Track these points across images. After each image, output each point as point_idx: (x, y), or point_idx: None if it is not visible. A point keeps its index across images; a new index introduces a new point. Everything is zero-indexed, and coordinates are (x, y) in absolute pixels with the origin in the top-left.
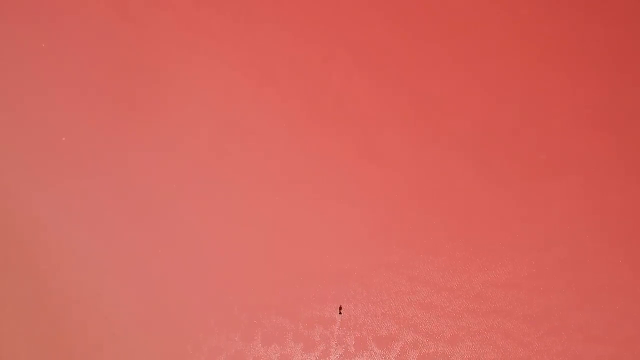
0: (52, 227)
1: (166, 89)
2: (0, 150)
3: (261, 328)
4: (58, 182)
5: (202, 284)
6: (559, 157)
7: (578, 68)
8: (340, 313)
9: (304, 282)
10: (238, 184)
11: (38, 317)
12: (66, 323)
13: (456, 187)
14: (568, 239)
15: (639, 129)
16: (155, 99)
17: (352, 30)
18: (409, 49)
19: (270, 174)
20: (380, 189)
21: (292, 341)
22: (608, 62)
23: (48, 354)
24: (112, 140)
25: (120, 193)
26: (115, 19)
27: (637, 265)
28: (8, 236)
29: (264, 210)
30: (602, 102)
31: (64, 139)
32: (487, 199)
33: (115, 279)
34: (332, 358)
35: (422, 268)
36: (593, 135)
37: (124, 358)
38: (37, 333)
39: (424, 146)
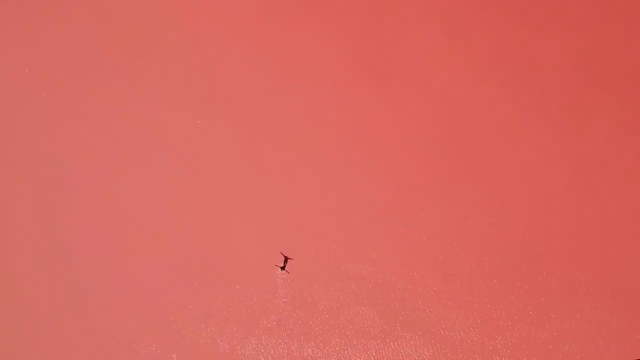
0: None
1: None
2: None
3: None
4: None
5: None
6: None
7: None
8: (283, 268)
9: None
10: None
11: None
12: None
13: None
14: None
15: None
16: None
17: (348, 25)
18: (406, 33)
19: (257, 180)
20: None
21: None
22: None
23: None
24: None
25: (98, 183)
26: None
27: None
28: None
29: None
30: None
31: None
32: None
33: (92, 279)
34: None
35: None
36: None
37: None
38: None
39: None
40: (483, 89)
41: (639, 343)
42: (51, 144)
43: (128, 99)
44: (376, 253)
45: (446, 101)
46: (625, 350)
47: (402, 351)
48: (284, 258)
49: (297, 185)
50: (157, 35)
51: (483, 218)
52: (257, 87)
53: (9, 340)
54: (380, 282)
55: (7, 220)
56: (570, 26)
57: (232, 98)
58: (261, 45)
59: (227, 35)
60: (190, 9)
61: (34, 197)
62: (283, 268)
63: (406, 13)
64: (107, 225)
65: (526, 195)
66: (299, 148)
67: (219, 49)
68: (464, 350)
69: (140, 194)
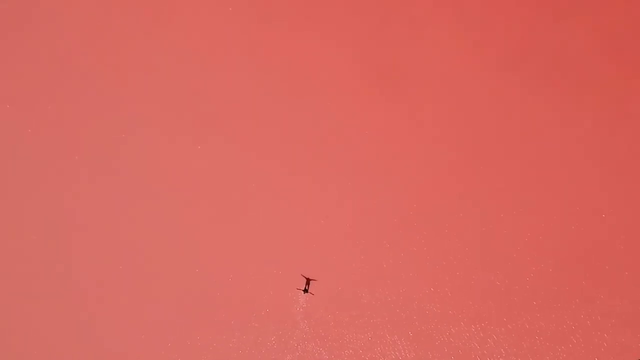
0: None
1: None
2: None
3: None
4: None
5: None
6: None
7: None
8: (306, 290)
9: None
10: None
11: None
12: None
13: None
14: None
15: None
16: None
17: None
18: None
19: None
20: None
21: None
22: None
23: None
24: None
25: (102, 222)
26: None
27: None
28: None
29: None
30: None
31: (29, 130)
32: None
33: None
34: None
35: None
36: None
37: None
38: None
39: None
40: (506, 87)
41: None
42: (50, 181)
43: (122, 129)
44: (404, 274)
45: (467, 103)
46: None
47: None
48: (305, 280)
49: (312, 208)
50: (150, 57)
51: (515, 231)
52: (261, 103)
53: None
54: (411, 307)
55: (10, 263)
56: (595, 9)
57: (234, 117)
58: (263, 57)
59: (227, 45)
60: (189, 23)
61: (35, 243)
62: (306, 291)
63: (416, 10)
64: (113, 266)
65: (561, 204)
66: (315, 167)
67: (218, 60)
68: None
69: (146, 230)
